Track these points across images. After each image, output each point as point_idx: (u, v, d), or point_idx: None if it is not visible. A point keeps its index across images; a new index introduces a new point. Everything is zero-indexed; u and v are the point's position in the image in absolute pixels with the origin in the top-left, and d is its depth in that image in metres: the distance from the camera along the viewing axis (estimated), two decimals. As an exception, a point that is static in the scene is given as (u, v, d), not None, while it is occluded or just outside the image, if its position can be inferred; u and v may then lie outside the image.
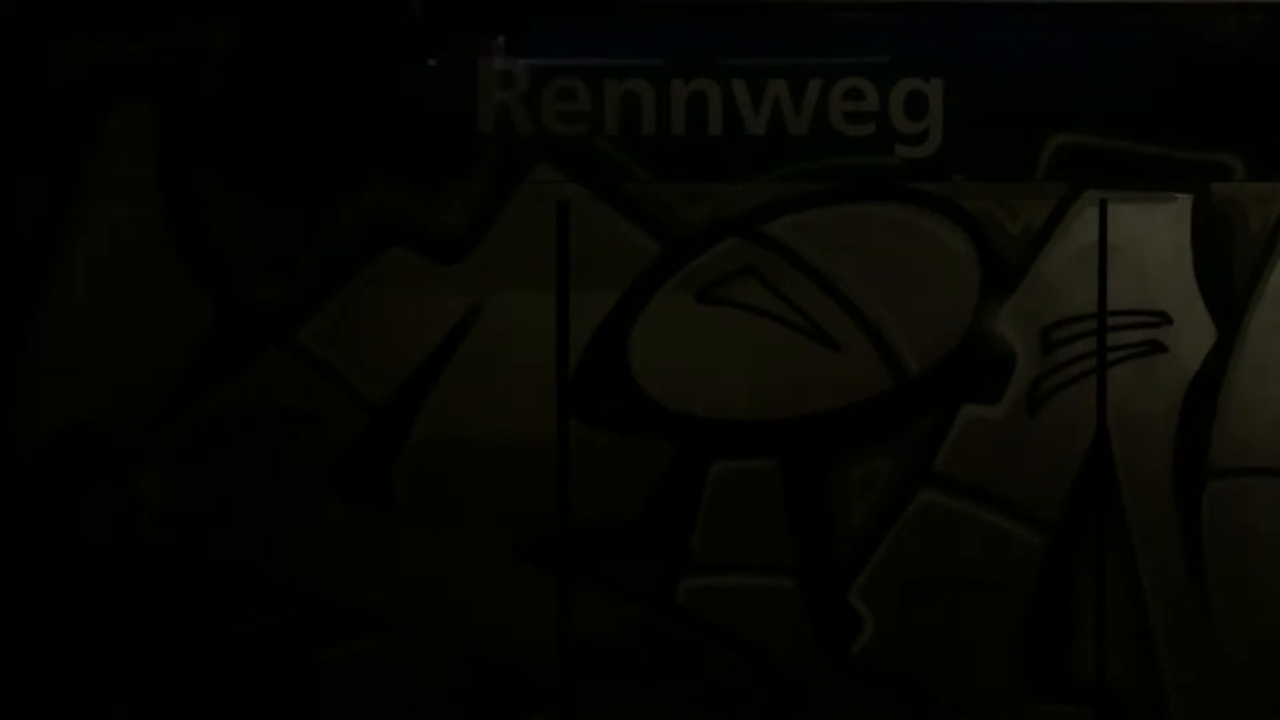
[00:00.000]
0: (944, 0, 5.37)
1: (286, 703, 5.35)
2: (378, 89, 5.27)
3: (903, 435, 5.39)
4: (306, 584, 5.32)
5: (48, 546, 5.28)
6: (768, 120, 5.31)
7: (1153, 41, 5.39)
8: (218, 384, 5.28)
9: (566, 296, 5.34)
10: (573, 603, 5.39)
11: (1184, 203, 5.38)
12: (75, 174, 5.23)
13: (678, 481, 5.37)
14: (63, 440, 5.25)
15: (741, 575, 5.39)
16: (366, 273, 5.29)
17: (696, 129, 5.31)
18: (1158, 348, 5.41)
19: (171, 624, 5.29)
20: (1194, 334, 5.42)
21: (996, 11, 5.38)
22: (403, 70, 5.28)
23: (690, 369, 5.36)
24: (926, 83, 5.32)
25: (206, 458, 5.28)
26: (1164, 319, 5.41)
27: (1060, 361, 5.39)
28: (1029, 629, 5.45)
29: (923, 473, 5.40)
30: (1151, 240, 5.39)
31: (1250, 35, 5.39)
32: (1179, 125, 5.38)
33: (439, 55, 5.27)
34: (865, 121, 5.33)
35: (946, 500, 5.39)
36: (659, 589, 5.40)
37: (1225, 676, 5.47)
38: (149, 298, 5.25)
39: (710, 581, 5.39)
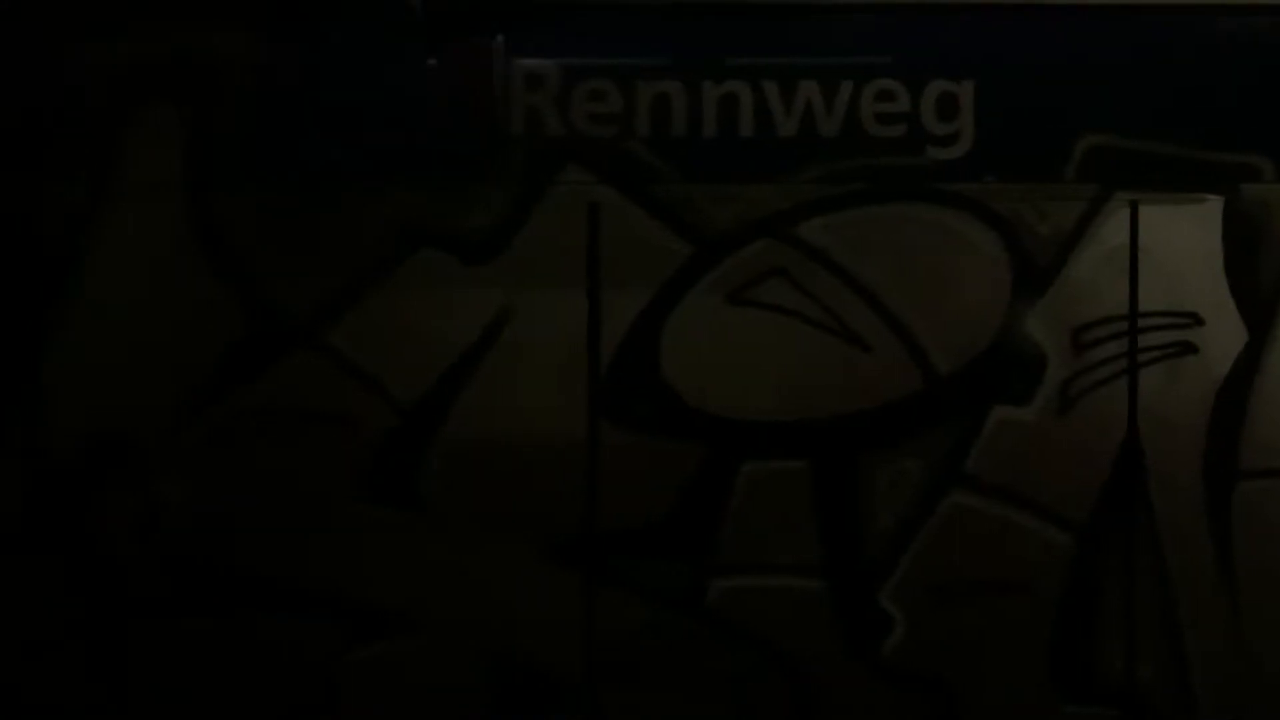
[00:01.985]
0: (975, 1, 5.36)
1: (314, 705, 5.33)
2: (409, 90, 5.27)
3: (933, 436, 5.39)
4: (334, 586, 5.31)
5: (74, 549, 5.27)
6: (799, 121, 5.31)
7: (1183, 42, 5.38)
8: (246, 386, 5.27)
9: (597, 298, 5.34)
10: (601, 604, 5.38)
11: (1214, 204, 5.38)
12: (101, 177, 5.23)
13: (707, 482, 5.36)
14: (89, 443, 5.24)
15: (771, 576, 5.38)
16: (397, 274, 5.29)
17: (728, 130, 5.30)
18: (1188, 349, 5.40)
19: (197, 627, 5.28)
20: (1225, 335, 5.41)
21: (1027, 13, 5.37)
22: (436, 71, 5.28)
23: (721, 370, 5.36)
24: (957, 84, 5.31)
25: (235, 460, 5.27)
26: (1195, 320, 5.40)
27: (1091, 363, 5.39)
28: (1058, 630, 5.44)
29: (953, 474, 5.39)
30: (1182, 241, 5.38)
31: (1281, 35, 5.41)
32: (1209, 127, 5.37)
33: (467, 56, 5.26)
34: (896, 123, 5.32)
35: (977, 501, 5.39)
36: (688, 590, 5.39)
37: (1255, 678, 5.47)
38: (176, 300, 5.24)
39: (740, 583, 5.38)
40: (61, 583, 5.26)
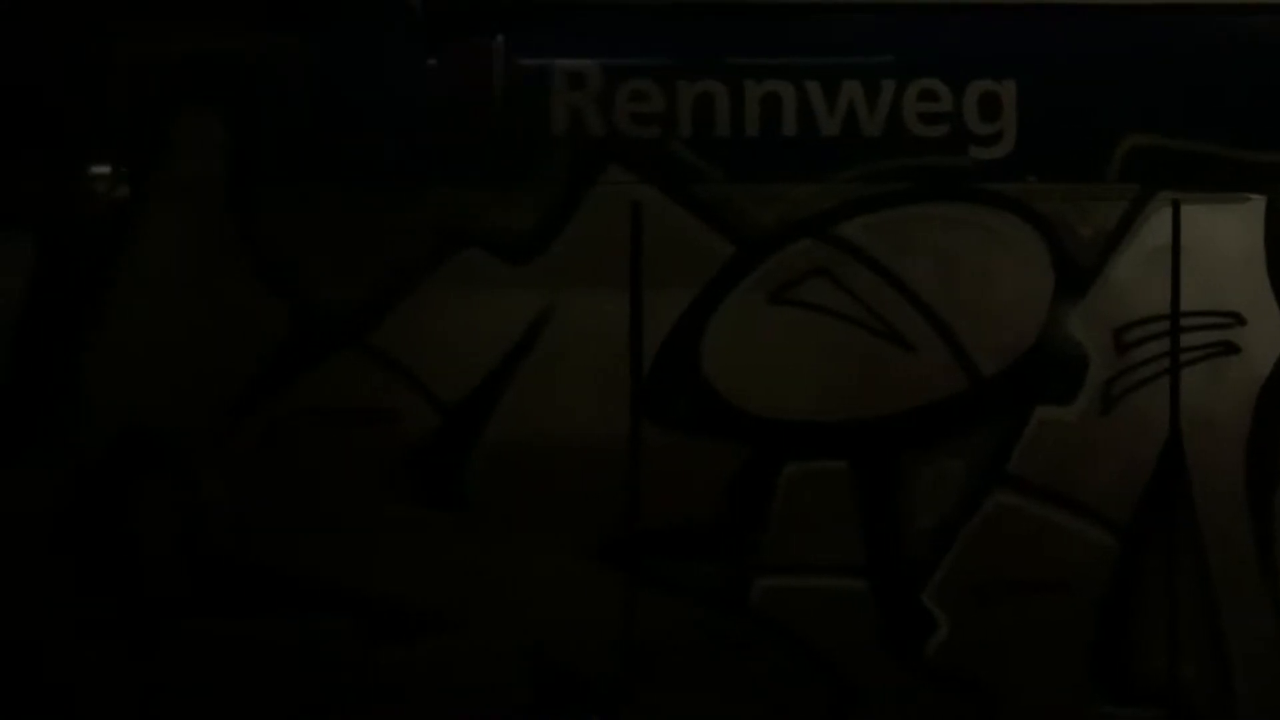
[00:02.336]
0: (1018, 2, 5.37)
1: (352, 705, 5.33)
2: (450, 91, 5.27)
3: (975, 436, 5.39)
4: (376, 585, 5.30)
5: (113, 548, 5.27)
6: (841, 121, 5.31)
7: (1225, 42, 5.39)
8: (289, 385, 5.27)
9: (639, 297, 5.34)
10: (642, 604, 5.37)
11: (1257, 204, 5.38)
12: (144, 176, 5.23)
13: (750, 482, 5.36)
14: (130, 441, 5.24)
15: (813, 577, 5.38)
16: (440, 274, 5.29)
17: (770, 130, 5.31)
18: (1230, 349, 5.40)
19: (235, 626, 5.28)
20: (1267, 335, 5.41)
21: (1069, 12, 5.37)
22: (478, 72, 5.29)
23: (763, 370, 5.36)
24: (999, 84, 5.31)
25: (277, 459, 5.27)
26: (1237, 320, 5.40)
27: (1133, 363, 5.39)
28: (1100, 630, 5.44)
29: (995, 474, 5.39)
30: (1224, 241, 5.38)
31: (1325, 36, 5.41)
32: (1251, 126, 5.37)
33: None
34: (939, 122, 5.32)
35: (1019, 501, 5.38)
36: (730, 590, 5.39)
37: (1297, 678, 5.47)
38: (219, 299, 5.24)
39: (782, 583, 5.38)
40: (99, 581, 5.24)
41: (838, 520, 5.38)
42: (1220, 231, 5.38)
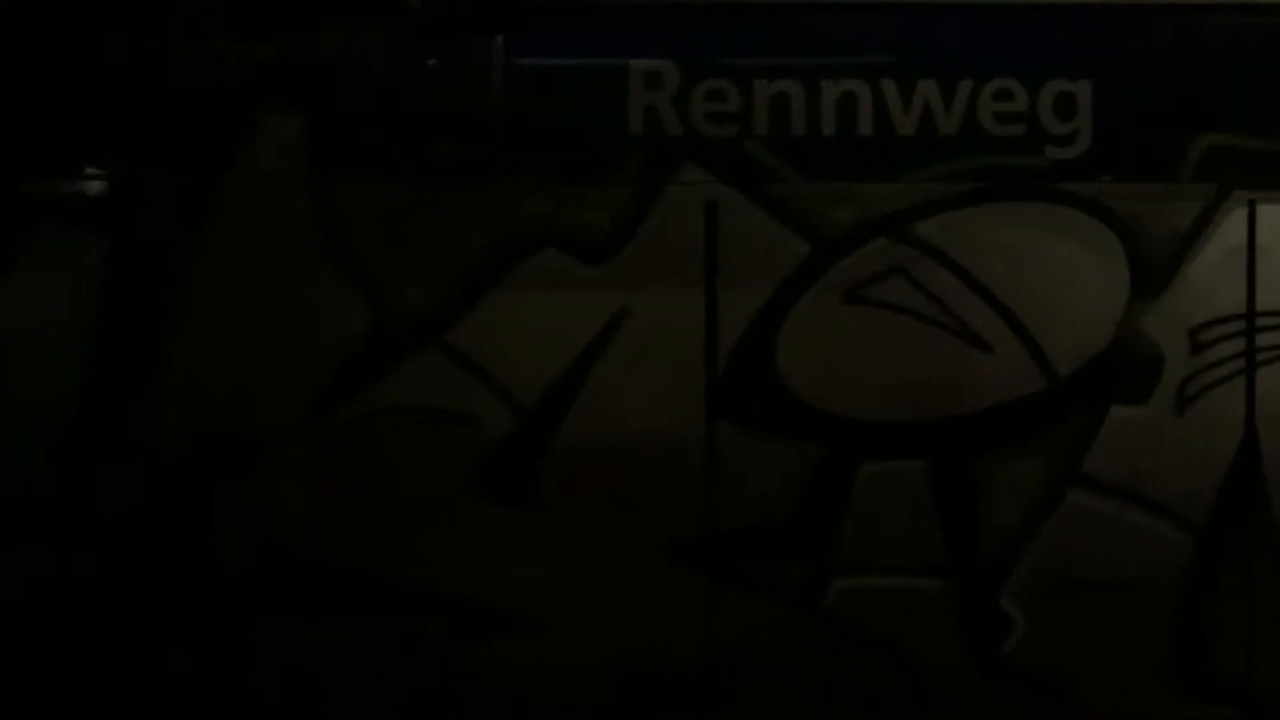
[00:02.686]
0: (1094, 1, 5.37)
1: (433, 706, 5.32)
2: (528, 90, 5.28)
3: (1051, 436, 5.38)
4: (454, 586, 5.30)
5: (193, 549, 5.27)
6: (917, 121, 5.32)
7: (1301, 40, 5.40)
8: (367, 385, 5.27)
9: (715, 297, 5.34)
10: (721, 603, 5.37)
11: (1333, 203, 5.39)
12: (225, 174, 5.23)
13: (826, 482, 5.36)
14: (209, 441, 5.24)
15: (891, 577, 5.37)
16: (516, 274, 5.29)
17: (846, 129, 5.31)
18: (1306, 348, 5.41)
19: (315, 627, 5.28)
20: (1343, 334, 5.42)
21: (1145, 11, 5.38)
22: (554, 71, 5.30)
23: (838, 369, 5.36)
24: (1075, 83, 5.32)
25: (356, 459, 5.27)
26: (1312, 319, 5.41)
27: (1208, 362, 5.38)
28: (1177, 630, 5.43)
29: (1071, 473, 5.38)
30: (1300, 240, 5.40)
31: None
32: (1328, 125, 5.39)
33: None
34: (1014, 122, 5.32)
35: (1095, 501, 5.38)
36: (807, 590, 5.38)
37: (1373, 678, 5.47)
38: (298, 299, 5.24)
39: (859, 583, 5.38)
40: (181, 583, 5.24)
41: (914, 520, 5.38)
42: (1296, 230, 5.39)
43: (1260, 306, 5.39)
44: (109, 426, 5.23)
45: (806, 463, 5.36)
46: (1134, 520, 5.40)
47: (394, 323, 5.27)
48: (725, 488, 5.35)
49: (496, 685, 5.34)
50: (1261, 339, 5.39)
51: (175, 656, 5.26)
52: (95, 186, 5.22)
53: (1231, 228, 5.37)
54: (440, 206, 5.24)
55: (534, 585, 5.32)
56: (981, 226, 5.35)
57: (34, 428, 5.20)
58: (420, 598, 5.30)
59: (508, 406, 5.31)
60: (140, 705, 5.27)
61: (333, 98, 5.27)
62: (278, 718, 5.29)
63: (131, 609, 5.23)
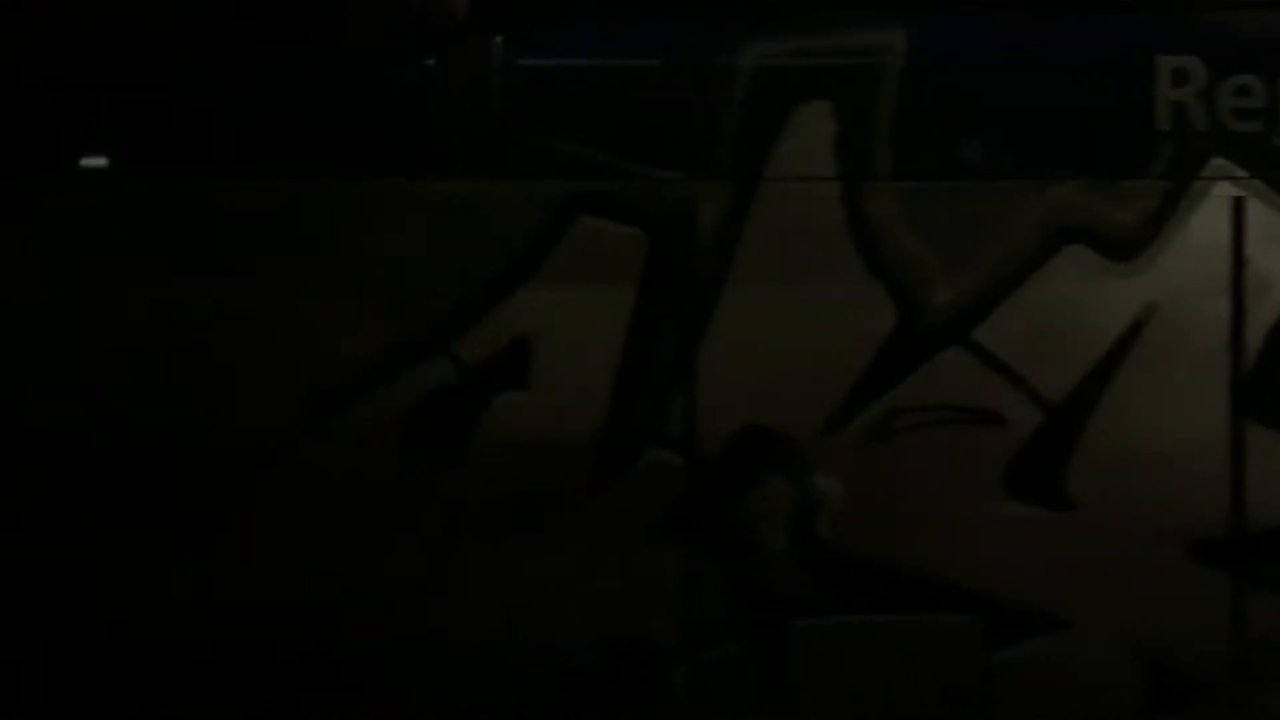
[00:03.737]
0: None
1: (965, 703, 5.30)
2: (1050, 85, 5.27)
3: None
4: (985, 584, 5.27)
5: (727, 542, 5.29)
6: None
7: None
8: (897, 382, 5.26)
9: (1240, 294, 5.28)
10: (1250, 605, 5.30)
11: None
12: (756, 175, 5.25)
13: (1358, 482, 5.28)
14: (742, 438, 5.26)
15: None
16: (1044, 271, 5.26)
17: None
18: None
19: (849, 623, 5.28)
20: None
21: None
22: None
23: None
24: None
25: (887, 456, 5.26)
26: None
27: None
28: None
29: None
30: None
31: None
32: None
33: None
34: None
35: None
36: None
37: None
38: (827, 297, 5.25)
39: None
40: (721, 576, 5.27)
41: None
42: None
43: None
44: (646, 424, 5.25)
45: (1338, 463, 5.29)
46: None
47: (924, 320, 5.25)
48: (1253, 488, 5.28)
49: (1029, 684, 5.29)
50: None
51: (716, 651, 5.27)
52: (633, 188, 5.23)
53: None
54: (973, 204, 5.22)
55: (1063, 585, 5.28)
56: None
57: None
58: (950, 595, 5.27)
59: (1035, 404, 5.27)
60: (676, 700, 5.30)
61: (862, 95, 5.26)
62: (815, 715, 5.28)
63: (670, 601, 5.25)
